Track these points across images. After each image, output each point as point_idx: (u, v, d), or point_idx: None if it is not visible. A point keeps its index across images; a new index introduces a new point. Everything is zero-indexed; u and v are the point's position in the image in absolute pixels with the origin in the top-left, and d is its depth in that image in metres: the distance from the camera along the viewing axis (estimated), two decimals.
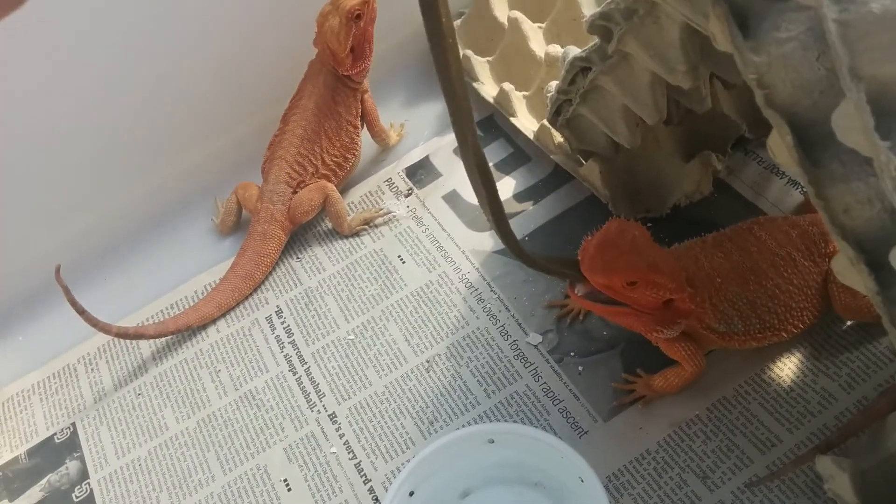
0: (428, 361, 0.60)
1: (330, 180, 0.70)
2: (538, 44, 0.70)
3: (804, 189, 0.61)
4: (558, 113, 0.57)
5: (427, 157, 0.75)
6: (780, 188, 0.62)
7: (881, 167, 0.26)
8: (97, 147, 0.69)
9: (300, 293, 0.67)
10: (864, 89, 0.25)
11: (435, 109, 0.78)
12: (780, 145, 0.30)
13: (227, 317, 0.67)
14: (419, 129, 0.77)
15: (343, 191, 0.73)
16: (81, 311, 0.60)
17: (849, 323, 0.54)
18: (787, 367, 0.53)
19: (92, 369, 0.66)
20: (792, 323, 0.50)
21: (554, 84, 0.55)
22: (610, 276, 0.45)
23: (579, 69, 0.51)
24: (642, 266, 0.45)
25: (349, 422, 0.58)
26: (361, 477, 0.55)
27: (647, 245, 0.47)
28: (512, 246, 0.45)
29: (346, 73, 0.68)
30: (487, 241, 0.66)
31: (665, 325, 0.49)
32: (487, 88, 0.73)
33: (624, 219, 0.48)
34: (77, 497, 0.58)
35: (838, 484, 0.41)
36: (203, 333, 0.66)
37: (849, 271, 0.32)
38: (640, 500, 0.50)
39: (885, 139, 0.25)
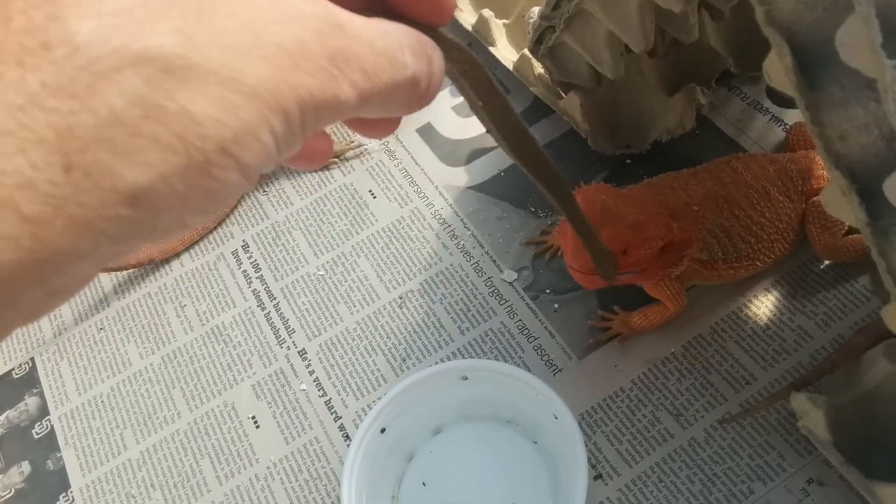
0: (401, 298, 0.58)
1: None
2: None
3: (786, 126, 0.60)
4: (540, 41, 0.54)
5: None
6: (763, 125, 0.61)
7: (885, 87, 0.25)
8: None
9: (267, 227, 0.65)
10: (873, 2, 0.23)
11: None
12: (777, 67, 0.29)
13: (192, 251, 0.64)
14: None
15: None
16: None
17: (826, 262, 0.53)
18: (763, 306, 0.53)
19: None
20: (764, 253, 0.50)
21: (536, 10, 0.53)
22: None
23: None
24: (624, 230, 0.43)
25: (319, 358, 0.56)
26: (332, 414, 0.54)
27: (619, 204, 0.44)
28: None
29: None
30: (462, 176, 0.64)
31: (672, 266, 0.46)
32: (465, 16, 0.70)
33: (583, 187, 0.46)
34: (37, 434, 0.57)
35: (812, 420, 0.41)
36: (167, 267, 0.64)
37: (838, 202, 0.31)
38: (613, 438, 0.49)
39: (891, 58, 0.24)
